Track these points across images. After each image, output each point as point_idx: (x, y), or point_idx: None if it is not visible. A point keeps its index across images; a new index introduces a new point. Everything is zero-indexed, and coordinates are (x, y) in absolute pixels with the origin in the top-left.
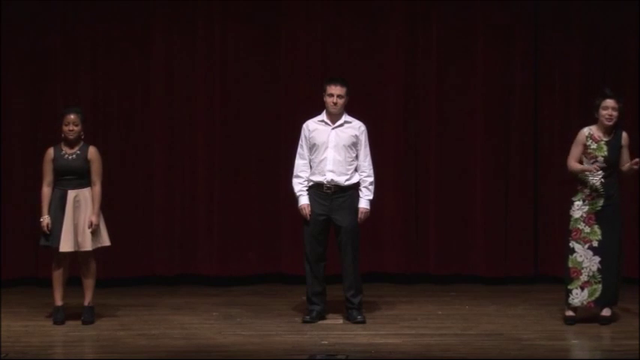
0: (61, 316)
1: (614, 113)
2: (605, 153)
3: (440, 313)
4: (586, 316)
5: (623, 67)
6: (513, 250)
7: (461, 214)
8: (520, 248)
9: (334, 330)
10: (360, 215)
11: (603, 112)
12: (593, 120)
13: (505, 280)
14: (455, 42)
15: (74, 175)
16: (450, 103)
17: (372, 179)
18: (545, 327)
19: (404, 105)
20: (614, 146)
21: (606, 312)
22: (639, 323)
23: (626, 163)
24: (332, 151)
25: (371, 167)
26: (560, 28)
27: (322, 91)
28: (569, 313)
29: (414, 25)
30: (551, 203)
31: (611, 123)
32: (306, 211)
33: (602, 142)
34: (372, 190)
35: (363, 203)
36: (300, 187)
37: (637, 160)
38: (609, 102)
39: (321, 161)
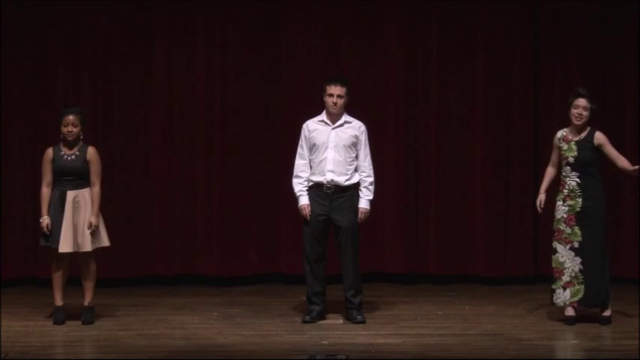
0: (61, 317)
1: (584, 113)
2: (575, 153)
3: (440, 313)
4: (585, 315)
5: (623, 67)
6: (513, 250)
7: (461, 214)
8: (520, 248)
9: (334, 330)
10: (360, 215)
11: (574, 111)
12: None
13: (505, 280)
14: (455, 42)
15: (73, 176)
16: (449, 103)
17: (372, 179)
18: (545, 327)
19: (404, 105)
20: (584, 146)
21: (606, 312)
22: (639, 323)
23: (619, 160)
24: (332, 151)
25: (371, 167)
26: (560, 28)
27: (322, 91)
28: (569, 312)
29: (414, 25)
30: (551, 203)
31: (579, 122)
32: (306, 211)
33: (572, 143)
34: (372, 190)
35: (363, 203)
36: (300, 187)
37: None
38: (581, 101)
39: (321, 161)
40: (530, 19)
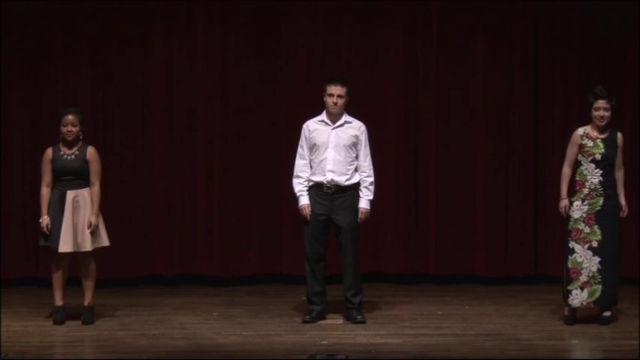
0: (61, 317)
1: (606, 114)
2: (602, 150)
3: (440, 313)
4: (585, 315)
5: (623, 67)
6: (513, 250)
7: (461, 214)
8: (520, 248)
9: (334, 330)
10: (360, 215)
11: (595, 113)
12: (588, 120)
13: (505, 280)
14: (455, 42)
15: (73, 176)
16: (450, 104)
17: (372, 179)
18: (545, 327)
19: (404, 105)
20: (610, 144)
21: (607, 312)
22: (639, 323)
23: (620, 170)
24: (332, 151)
25: (371, 167)
26: (560, 28)
27: (322, 92)
28: (569, 312)
29: (414, 25)
30: (551, 203)
31: (603, 123)
32: (307, 211)
33: (599, 140)
34: (372, 190)
35: (363, 203)
36: (300, 187)
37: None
38: (600, 102)
39: (321, 161)
40: (530, 19)
